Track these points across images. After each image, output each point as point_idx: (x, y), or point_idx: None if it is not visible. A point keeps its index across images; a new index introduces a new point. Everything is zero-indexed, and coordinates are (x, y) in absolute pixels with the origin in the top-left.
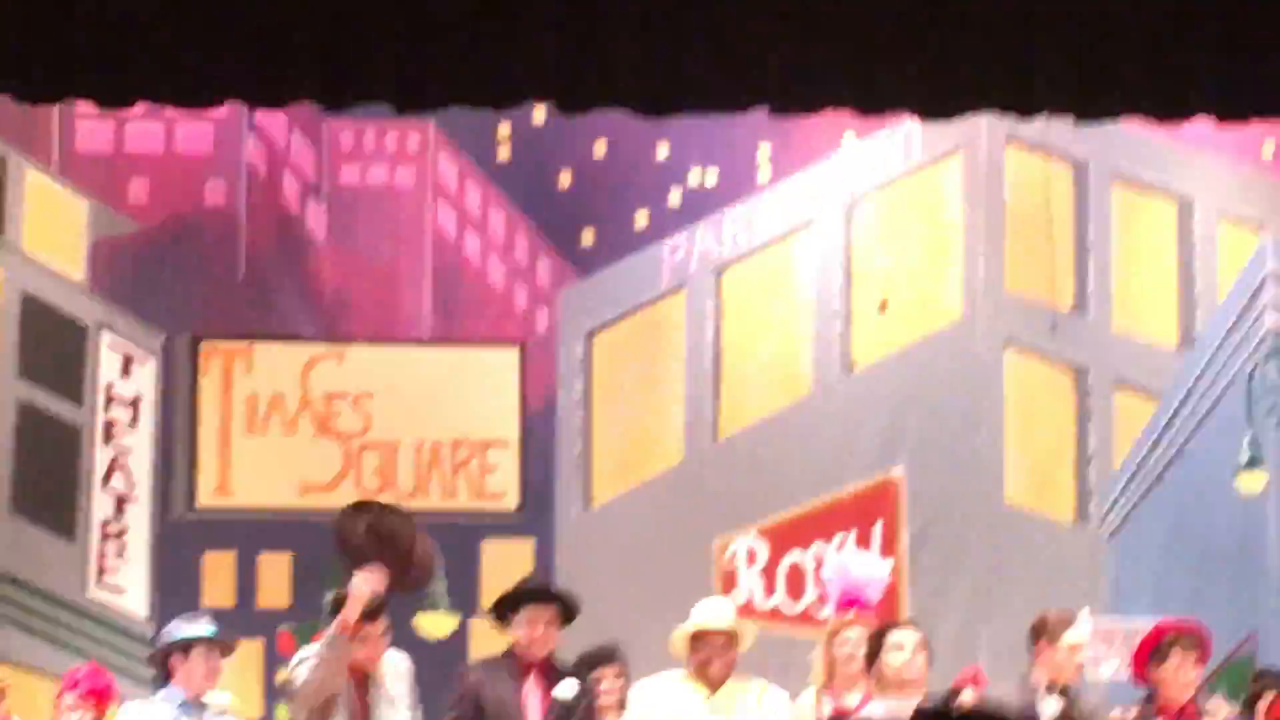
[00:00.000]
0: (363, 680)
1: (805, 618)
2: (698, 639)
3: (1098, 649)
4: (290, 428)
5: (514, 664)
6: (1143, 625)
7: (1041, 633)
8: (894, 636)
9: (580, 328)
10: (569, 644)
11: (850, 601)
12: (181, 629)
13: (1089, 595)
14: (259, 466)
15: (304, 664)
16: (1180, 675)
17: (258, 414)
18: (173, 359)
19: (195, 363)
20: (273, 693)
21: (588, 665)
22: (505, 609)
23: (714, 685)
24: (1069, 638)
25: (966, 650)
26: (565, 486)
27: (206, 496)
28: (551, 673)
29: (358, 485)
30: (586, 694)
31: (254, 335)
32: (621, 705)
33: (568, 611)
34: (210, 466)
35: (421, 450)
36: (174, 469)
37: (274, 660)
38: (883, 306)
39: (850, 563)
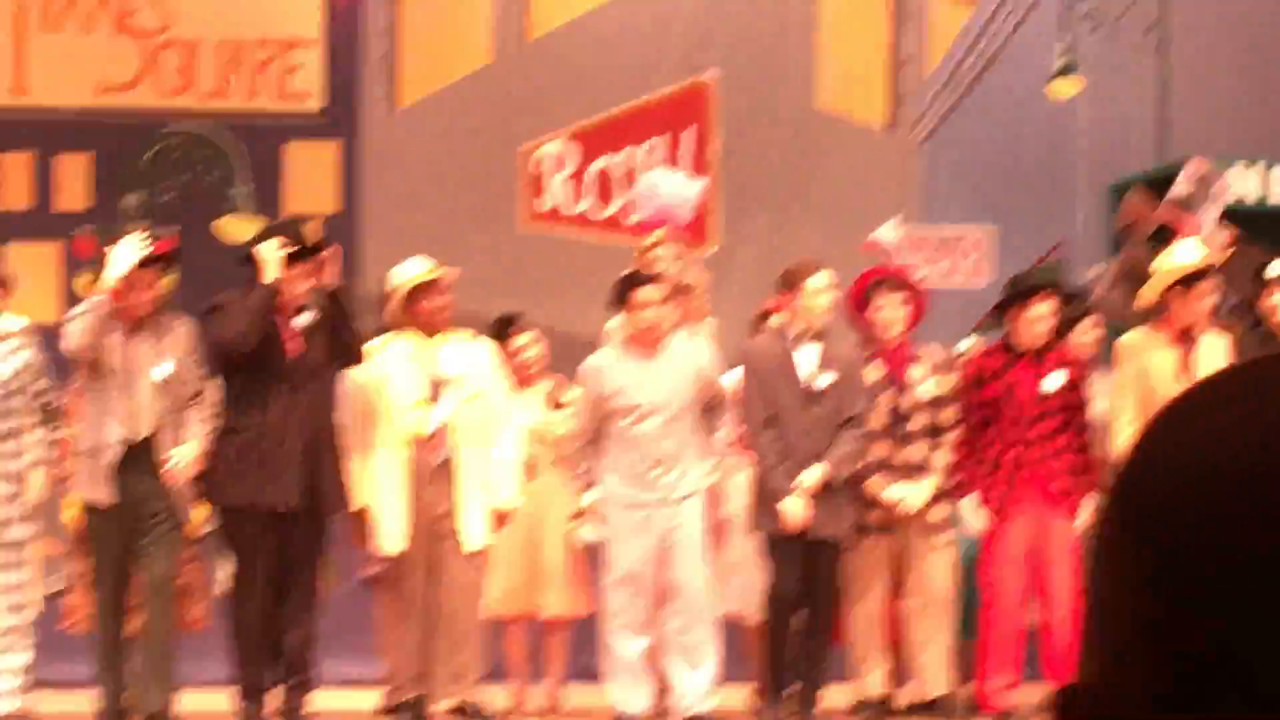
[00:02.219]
0: (136, 326)
1: (612, 223)
2: (410, 296)
3: (909, 256)
4: (87, 24)
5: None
6: (952, 233)
7: (787, 282)
8: (817, 279)
9: None
10: (381, 255)
11: (661, 220)
12: None
13: (900, 202)
14: (55, 65)
15: (73, 322)
16: (886, 315)
17: (53, 9)
18: None
19: None
20: (70, 296)
21: (500, 327)
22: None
23: (429, 334)
24: (814, 282)
25: (777, 258)
26: (371, 87)
27: (1, 95)
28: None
29: (157, 86)
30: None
31: None
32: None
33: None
34: (4, 65)
35: (223, 49)
36: None
37: (73, 263)
38: None
39: (661, 181)
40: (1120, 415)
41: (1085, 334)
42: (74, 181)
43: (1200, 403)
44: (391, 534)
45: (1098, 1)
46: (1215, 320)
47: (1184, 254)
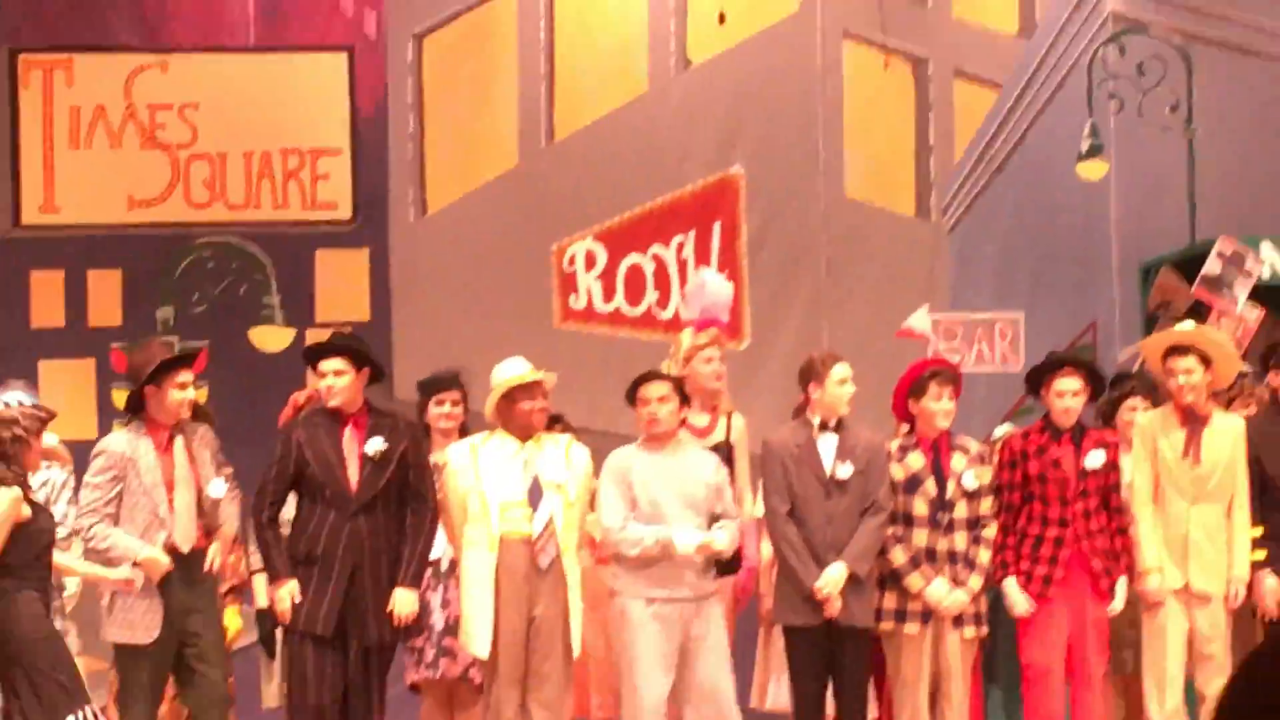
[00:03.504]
0: (169, 441)
1: (646, 320)
2: (508, 396)
3: (939, 343)
4: (115, 140)
5: (330, 415)
6: (983, 318)
7: (809, 375)
8: (838, 370)
9: (409, 29)
10: (413, 362)
11: (709, 320)
12: None
13: (929, 289)
14: (85, 181)
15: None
16: (937, 406)
17: (81, 127)
18: None
19: (14, 76)
20: (106, 410)
21: (426, 392)
22: (310, 360)
23: (524, 436)
24: (836, 373)
25: (808, 348)
26: (398, 193)
27: (31, 214)
28: (368, 419)
29: (187, 198)
30: (400, 440)
31: (74, 46)
32: (462, 431)
33: (363, 359)
34: (34, 183)
35: (251, 160)
36: None
37: (107, 377)
38: (721, 19)
39: (708, 279)
40: (1135, 497)
41: (1130, 414)
42: (106, 297)
43: None
44: (483, 637)
45: (1123, 82)
46: (1246, 398)
47: (1177, 329)
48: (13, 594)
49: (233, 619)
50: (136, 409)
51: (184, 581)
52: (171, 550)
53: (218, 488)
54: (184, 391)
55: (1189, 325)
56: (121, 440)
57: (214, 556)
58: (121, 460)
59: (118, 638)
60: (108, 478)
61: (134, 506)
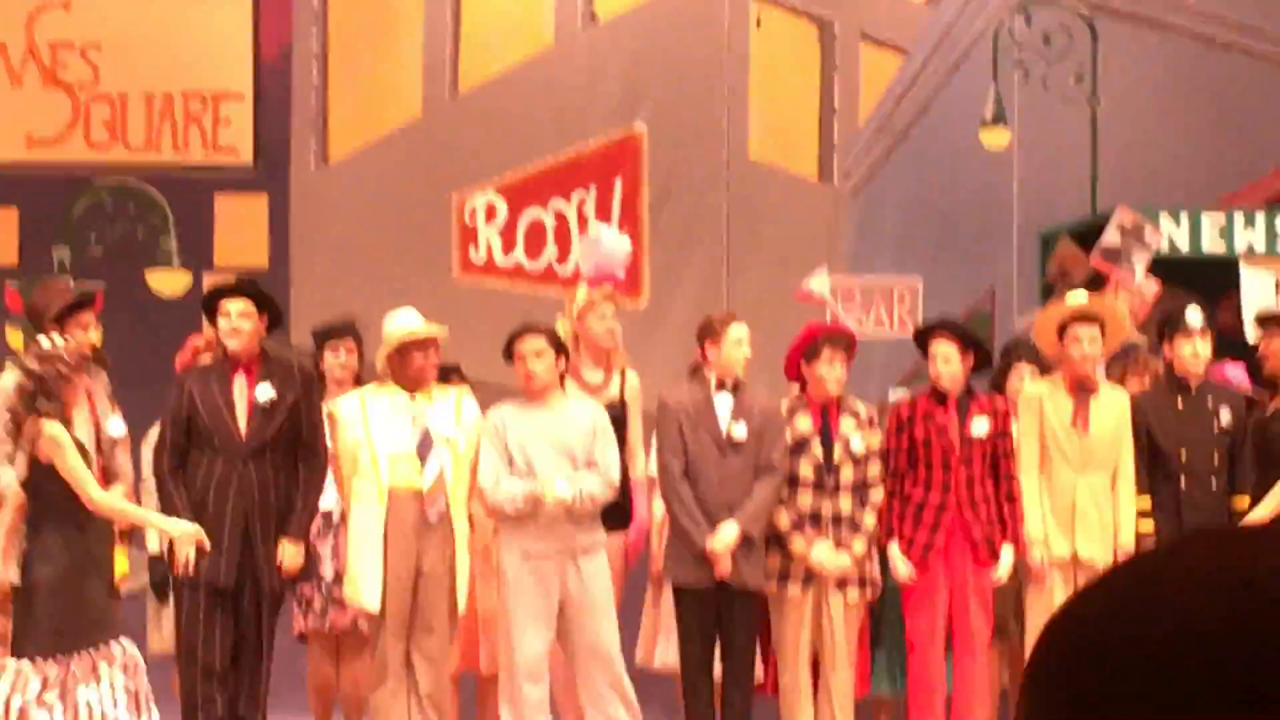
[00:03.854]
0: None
1: (546, 275)
2: (400, 349)
3: (838, 305)
4: (15, 79)
5: (224, 362)
6: (882, 283)
7: (706, 334)
8: (735, 331)
9: None
10: (310, 310)
11: (605, 276)
12: None
13: (830, 252)
14: None
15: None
16: (827, 371)
17: None
18: None
19: None
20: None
21: (320, 339)
22: (206, 307)
23: (414, 389)
24: (733, 333)
25: (707, 308)
26: (300, 140)
27: None
28: (260, 366)
29: (87, 138)
30: (291, 389)
31: None
32: (356, 380)
33: (266, 304)
34: None
35: (152, 102)
36: None
37: (1, 316)
38: None
39: (604, 235)
40: (1020, 466)
41: (1018, 382)
42: (3, 235)
43: (1117, 581)
44: (371, 590)
45: (1029, 52)
46: (1139, 370)
47: (1071, 299)
48: (37, 531)
49: (120, 562)
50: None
51: None
52: None
53: (116, 426)
54: (84, 333)
55: (1082, 295)
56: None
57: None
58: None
59: (13, 576)
60: (5, 418)
61: None
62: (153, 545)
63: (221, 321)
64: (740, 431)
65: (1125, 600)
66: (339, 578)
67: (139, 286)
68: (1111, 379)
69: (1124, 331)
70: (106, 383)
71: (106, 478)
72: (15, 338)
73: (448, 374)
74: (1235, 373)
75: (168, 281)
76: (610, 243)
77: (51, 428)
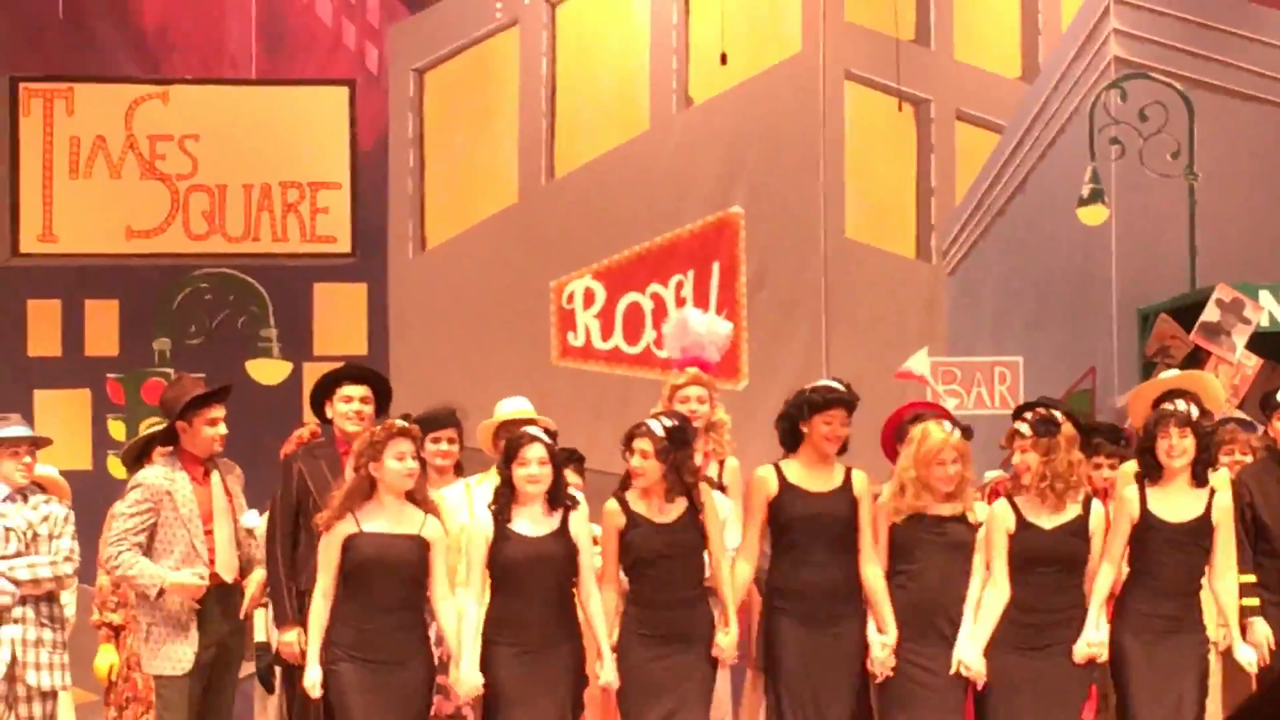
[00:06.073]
0: (205, 473)
1: (644, 358)
2: (504, 428)
3: (937, 385)
4: (114, 171)
5: (333, 446)
6: (982, 362)
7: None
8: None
9: (411, 64)
10: (410, 398)
11: (691, 359)
12: None
13: (928, 331)
14: (83, 211)
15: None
16: None
17: (81, 157)
18: None
19: (14, 105)
20: (102, 441)
21: (423, 429)
22: (320, 393)
23: None
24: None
25: None
26: (398, 228)
27: (30, 243)
28: None
29: (186, 229)
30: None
31: (75, 77)
32: (457, 470)
33: (381, 388)
34: (33, 212)
35: (251, 192)
36: None
37: (103, 408)
38: (723, 59)
39: (691, 318)
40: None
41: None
42: (103, 327)
43: None
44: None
45: (1124, 127)
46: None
47: (1166, 374)
48: None
49: (105, 656)
50: (171, 442)
51: (222, 614)
52: (216, 581)
53: (252, 519)
54: (215, 427)
55: (1173, 373)
56: (159, 473)
57: (252, 591)
58: (158, 493)
59: (159, 670)
60: (143, 509)
61: (170, 539)
62: (259, 634)
63: (342, 405)
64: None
65: None
66: (442, 664)
67: (240, 377)
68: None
69: (1221, 405)
70: (240, 475)
71: (244, 569)
72: (118, 429)
73: (569, 460)
74: None
75: (268, 371)
76: (698, 324)
77: None
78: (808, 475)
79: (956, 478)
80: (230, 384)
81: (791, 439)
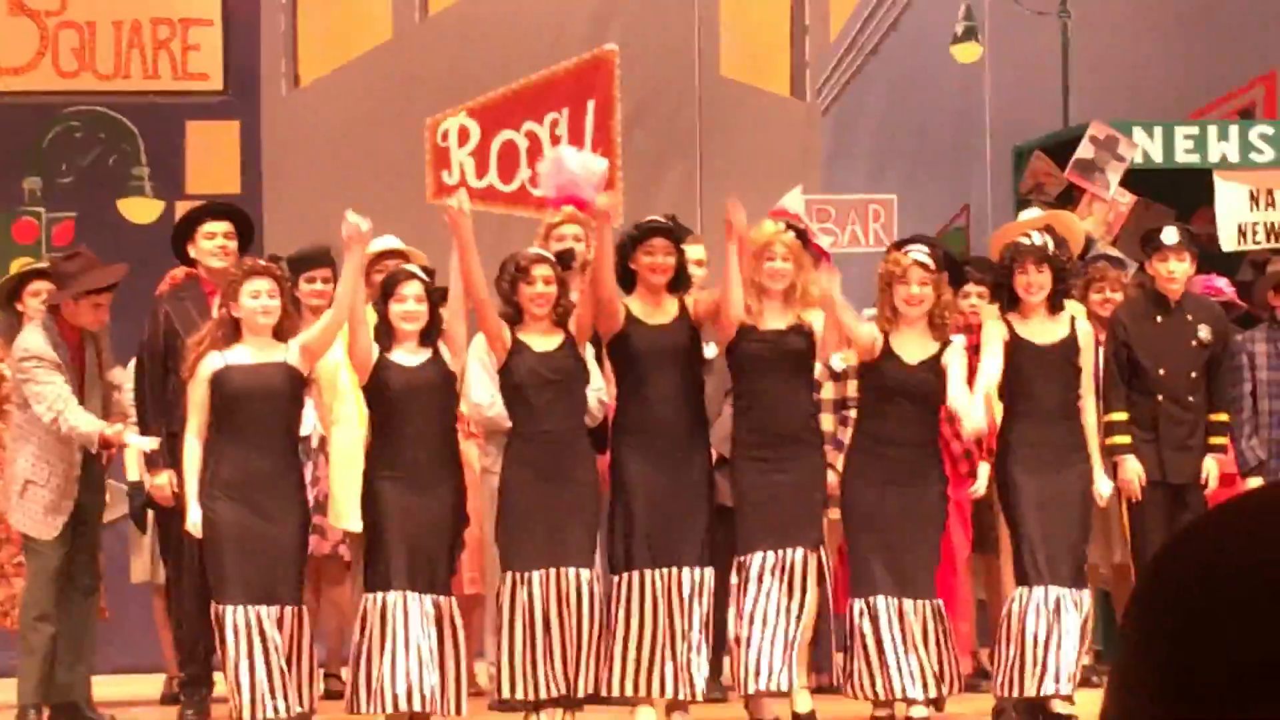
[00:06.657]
0: (80, 342)
1: (519, 197)
2: (377, 264)
3: (811, 224)
4: None
5: (199, 287)
6: (856, 200)
7: None
8: (691, 252)
9: None
10: (283, 237)
11: (567, 198)
12: None
13: (803, 170)
14: None
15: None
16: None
17: None
18: None
19: None
20: None
21: (296, 268)
22: (182, 232)
23: None
24: (690, 254)
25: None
26: (270, 65)
27: None
28: None
29: (55, 66)
30: None
31: None
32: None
33: (244, 225)
34: None
35: (121, 29)
36: None
37: None
38: None
39: (566, 157)
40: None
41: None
42: None
43: (1212, 525)
44: (350, 512)
45: None
46: (1102, 283)
47: (1025, 215)
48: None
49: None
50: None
51: (86, 483)
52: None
53: (119, 374)
54: (100, 310)
55: (1034, 213)
56: (43, 342)
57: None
58: (53, 360)
59: (29, 530)
60: (54, 369)
61: None
62: (132, 474)
63: (205, 243)
64: (709, 352)
65: (1234, 534)
66: (318, 504)
67: (112, 215)
68: (1074, 294)
69: (1080, 245)
70: (107, 327)
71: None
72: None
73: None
74: (1221, 284)
75: (140, 209)
76: (573, 162)
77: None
78: (646, 309)
79: (787, 276)
80: (124, 270)
81: (626, 278)
